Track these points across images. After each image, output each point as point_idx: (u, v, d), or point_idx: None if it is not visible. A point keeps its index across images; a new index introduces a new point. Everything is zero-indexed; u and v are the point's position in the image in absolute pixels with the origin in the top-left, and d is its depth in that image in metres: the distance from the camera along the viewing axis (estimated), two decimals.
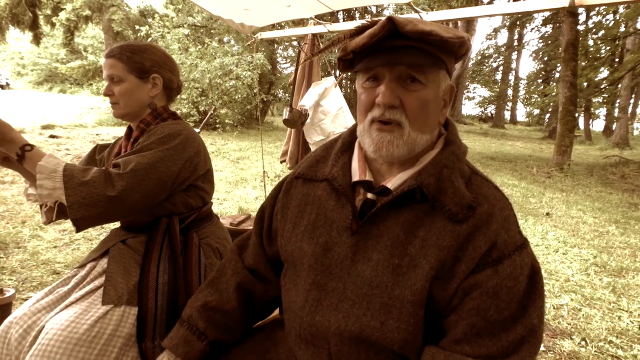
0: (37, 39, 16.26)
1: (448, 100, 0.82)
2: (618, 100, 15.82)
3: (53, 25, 17.02)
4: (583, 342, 2.24)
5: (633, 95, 18.90)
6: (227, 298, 0.96)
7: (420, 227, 0.76)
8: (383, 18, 0.72)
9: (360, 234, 0.79)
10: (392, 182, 0.80)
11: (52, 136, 8.22)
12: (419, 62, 0.73)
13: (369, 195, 0.82)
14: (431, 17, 2.45)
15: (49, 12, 16.27)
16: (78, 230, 1.06)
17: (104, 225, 3.37)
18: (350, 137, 0.92)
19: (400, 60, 0.73)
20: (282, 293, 0.92)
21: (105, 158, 1.43)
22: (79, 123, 10.57)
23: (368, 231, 0.79)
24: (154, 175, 1.13)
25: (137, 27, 13.83)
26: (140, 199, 1.11)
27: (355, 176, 0.84)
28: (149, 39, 12.15)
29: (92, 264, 1.25)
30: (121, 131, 9.10)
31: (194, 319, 0.94)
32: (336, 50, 0.87)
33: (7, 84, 26.69)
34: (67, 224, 3.39)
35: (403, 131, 0.75)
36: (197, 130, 2.23)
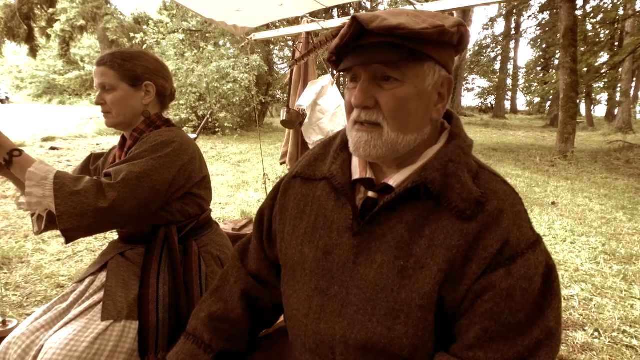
0: (33, 52, 16.33)
1: (446, 94, 0.76)
2: (619, 85, 15.68)
3: (48, 37, 17.11)
4: (596, 333, 2.20)
5: (634, 79, 18.75)
6: (232, 307, 0.93)
7: (425, 225, 0.72)
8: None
9: (362, 234, 0.75)
10: (395, 179, 0.76)
11: (52, 148, 8.24)
12: (390, 59, 0.68)
13: (370, 194, 0.78)
14: (426, 8, 2.40)
15: (43, 24, 16.35)
16: (67, 241, 1.02)
17: (106, 236, 3.35)
18: None
19: (371, 59, 0.69)
20: (283, 301, 0.88)
21: (100, 168, 1.40)
22: (79, 134, 10.61)
23: (370, 232, 0.75)
24: (147, 184, 1.09)
25: (132, 34, 13.85)
26: (133, 209, 1.08)
27: (356, 174, 0.81)
28: (145, 46, 12.16)
29: (91, 278, 1.22)
30: None
31: (199, 332, 0.90)
32: (323, 52, 0.85)
33: (7, 98, 26.82)
34: None
35: (382, 131, 0.72)
36: (194, 135, 2.21)
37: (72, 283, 1.26)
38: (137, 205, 1.08)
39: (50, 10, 16.10)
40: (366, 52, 0.70)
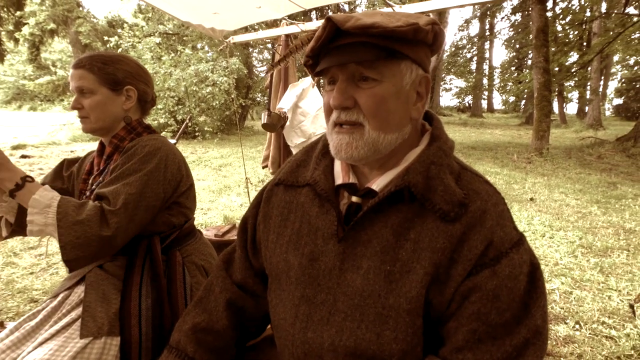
0: (0, 57, 15.70)
1: (424, 93, 0.77)
2: (589, 83, 16.27)
3: (17, 41, 16.52)
4: (577, 326, 2.25)
5: (602, 78, 19.51)
6: (216, 317, 0.90)
7: (410, 229, 0.71)
8: None
9: (347, 240, 0.74)
10: (378, 183, 0.75)
11: (23, 156, 7.94)
12: (366, 58, 0.68)
13: (354, 199, 0.78)
14: (404, 10, 2.42)
15: (11, 27, 15.75)
16: (71, 270, 1.02)
17: None
18: None
19: (347, 59, 0.69)
20: (270, 310, 0.86)
21: (75, 174, 1.35)
22: (52, 141, 10.26)
23: (355, 237, 0.74)
24: (144, 204, 1.09)
25: (105, 38, 13.51)
26: (133, 230, 1.09)
27: (339, 179, 0.80)
28: (119, 50, 11.89)
29: (66, 293, 1.16)
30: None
31: (182, 344, 0.87)
32: (300, 56, 0.85)
33: None
34: (44, 248, 3.24)
35: (363, 131, 0.72)
36: (173, 141, 2.16)
37: (46, 299, 1.19)
38: (136, 226, 1.10)
39: (18, 13, 15.54)
40: (342, 53, 0.70)
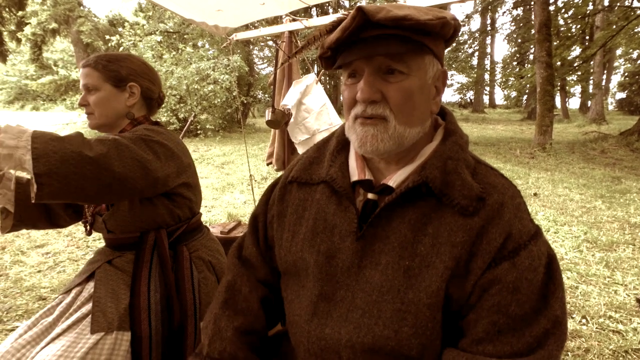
0: (2, 57, 15.75)
1: (441, 87, 0.78)
2: (592, 77, 16.17)
3: (19, 41, 16.53)
4: (584, 320, 2.25)
5: (605, 72, 19.39)
6: (254, 317, 0.87)
7: (428, 224, 0.71)
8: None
9: (365, 237, 0.74)
10: (394, 180, 0.75)
11: None
12: (397, 51, 0.67)
13: (370, 196, 0.77)
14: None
15: (13, 27, 15.77)
16: (38, 194, 0.84)
17: (89, 244, 3.24)
18: (344, 135, 0.87)
19: (376, 51, 0.68)
20: (284, 306, 0.86)
21: None
22: None
23: (373, 234, 0.74)
24: (136, 155, 1.01)
25: (107, 37, 13.50)
26: (119, 173, 0.95)
27: (354, 176, 0.80)
28: (121, 49, 11.89)
29: (78, 289, 1.17)
30: None
31: (230, 353, 0.80)
32: (315, 49, 0.83)
33: None
34: (52, 246, 3.26)
35: (388, 125, 0.71)
36: None
37: (58, 295, 1.20)
38: (123, 171, 0.97)
39: (20, 13, 15.55)
40: (370, 45, 0.68)
